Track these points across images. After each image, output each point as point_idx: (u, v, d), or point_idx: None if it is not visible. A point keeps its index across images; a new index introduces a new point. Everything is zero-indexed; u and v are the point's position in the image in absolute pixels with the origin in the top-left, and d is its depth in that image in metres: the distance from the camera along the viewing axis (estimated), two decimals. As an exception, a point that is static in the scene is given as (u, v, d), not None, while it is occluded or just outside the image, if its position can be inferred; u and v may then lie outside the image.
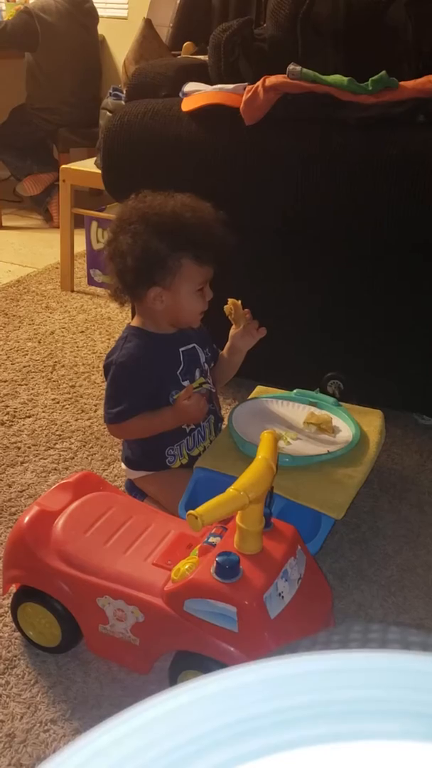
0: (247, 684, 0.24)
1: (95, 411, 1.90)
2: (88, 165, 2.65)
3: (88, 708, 1.10)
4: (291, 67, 1.66)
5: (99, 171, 2.05)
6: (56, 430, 1.82)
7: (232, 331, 1.51)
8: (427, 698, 0.22)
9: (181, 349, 1.43)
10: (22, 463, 1.69)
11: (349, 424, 1.47)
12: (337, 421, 1.49)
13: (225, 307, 1.49)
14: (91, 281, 2.68)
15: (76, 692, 1.13)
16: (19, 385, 2.03)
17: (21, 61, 3.53)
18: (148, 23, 2.91)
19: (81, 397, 1.98)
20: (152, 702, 0.23)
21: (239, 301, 1.49)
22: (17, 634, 1.22)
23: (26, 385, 2.04)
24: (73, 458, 1.71)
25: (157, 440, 1.43)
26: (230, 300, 1.48)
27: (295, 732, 0.22)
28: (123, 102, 2.02)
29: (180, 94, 1.83)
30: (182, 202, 1.35)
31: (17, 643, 1.21)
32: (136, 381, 1.38)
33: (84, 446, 1.76)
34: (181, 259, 1.32)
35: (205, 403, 1.38)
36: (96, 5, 3.56)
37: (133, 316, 1.50)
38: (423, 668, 0.23)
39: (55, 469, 1.67)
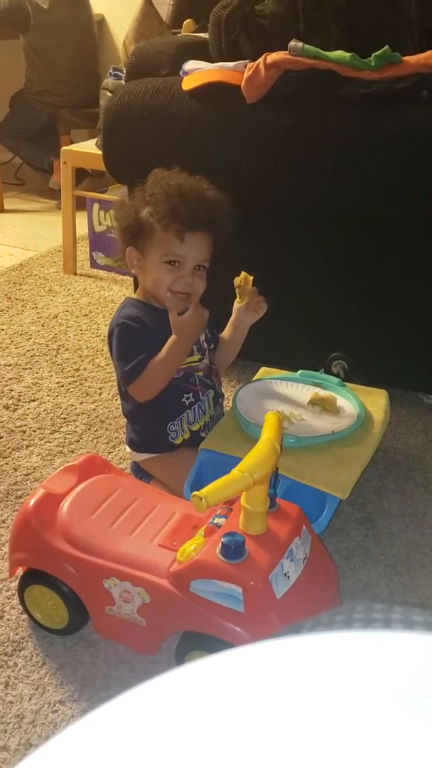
0: None
1: (100, 394, 1.90)
2: (90, 146, 2.63)
3: (96, 689, 1.11)
4: (292, 43, 1.64)
5: (100, 152, 2.04)
6: (61, 414, 1.82)
7: (236, 304, 1.51)
8: None
9: None
10: (27, 446, 1.69)
11: (353, 404, 1.46)
12: (341, 401, 1.48)
13: (236, 278, 1.48)
14: (93, 264, 2.67)
15: (84, 673, 1.14)
16: (23, 369, 2.03)
17: (13, 45, 3.50)
18: (148, 1, 2.88)
19: (85, 380, 1.98)
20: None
21: (251, 277, 1.48)
22: (25, 616, 1.23)
23: (30, 368, 2.03)
24: (78, 441, 1.72)
25: (159, 416, 1.44)
26: (243, 273, 1.48)
27: None
28: (123, 82, 2.00)
29: (181, 73, 1.81)
30: (191, 179, 1.41)
31: (25, 626, 1.22)
32: (140, 336, 1.40)
33: (89, 429, 1.76)
34: (154, 225, 1.37)
35: (202, 310, 1.40)
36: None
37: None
38: None
39: (61, 452, 1.67)
